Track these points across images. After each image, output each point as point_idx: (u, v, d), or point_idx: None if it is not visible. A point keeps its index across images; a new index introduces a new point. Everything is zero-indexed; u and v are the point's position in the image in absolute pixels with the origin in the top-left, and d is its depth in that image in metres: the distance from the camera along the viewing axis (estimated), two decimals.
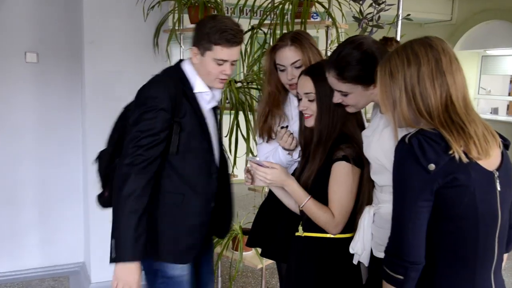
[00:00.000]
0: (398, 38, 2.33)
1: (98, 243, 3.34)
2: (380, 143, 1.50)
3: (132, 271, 1.68)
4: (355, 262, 1.65)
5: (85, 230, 3.55)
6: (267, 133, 2.01)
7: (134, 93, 3.21)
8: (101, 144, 3.23)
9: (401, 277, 1.22)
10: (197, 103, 1.83)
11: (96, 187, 3.23)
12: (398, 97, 1.26)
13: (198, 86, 1.83)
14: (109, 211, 3.30)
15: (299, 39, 1.89)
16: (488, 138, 1.24)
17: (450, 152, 1.17)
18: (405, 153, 1.21)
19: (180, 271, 1.87)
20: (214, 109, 1.96)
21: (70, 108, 3.49)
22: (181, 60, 1.89)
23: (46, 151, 3.48)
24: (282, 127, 1.92)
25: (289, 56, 1.88)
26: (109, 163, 1.86)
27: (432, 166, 1.16)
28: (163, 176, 1.78)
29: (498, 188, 1.26)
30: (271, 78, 1.98)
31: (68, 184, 3.56)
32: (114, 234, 1.70)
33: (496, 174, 1.26)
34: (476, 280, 1.26)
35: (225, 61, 1.76)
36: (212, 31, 1.71)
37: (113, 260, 1.68)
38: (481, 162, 1.22)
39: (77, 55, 3.38)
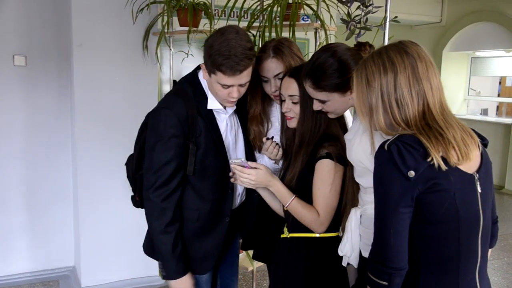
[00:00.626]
0: (386, 40, 2.34)
1: (88, 247, 3.33)
2: (362, 146, 1.51)
3: (183, 281, 1.82)
4: (344, 264, 1.65)
5: (75, 233, 3.53)
6: (255, 145, 2.00)
7: (123, 96, 3.23)
8: (90, 146, 3.24)
9: (385, 283, 1.23)
10: (213, 118, 1.80)
11: (85, 190, 3.24)
12: (375, 104, 1.27)
13: (211, 102, 1.79)
14: (99, 215, 3.29)
15: (281, 50, 1.86)
16: (467, 141, 1.25)
17: (429, 159, 1.18)
18: (384, 160, 1.21)
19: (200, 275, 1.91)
20: (240, 111, 1.92)
21: (59, 111, 3.47)
22: (199, 67, 1.83)
23: (35, 155, 3.46)
24: (268, 139, 1.91)
25: (272, 68, 1.86)
26: (136, 169, 1.89)
27: (412, 173, 1.17)
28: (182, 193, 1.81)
29: (479, 190, 1.27)
30: (253, 90, 1.94)
31: (57, 188, 3.54)
32: (158, 257, 1.85)
33: (476, 176, 1.27)
34: (460, 282, 1.27)
35: (231, 85, 1.68)
36: (216, 54, 1.61)
37: (165, 277, 1.85)
38: (461, 166, 1.23)
39: (65, 58, 3.37)
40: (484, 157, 1.32)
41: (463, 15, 7.19)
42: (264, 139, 1.92)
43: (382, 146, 1.23)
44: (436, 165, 1.18)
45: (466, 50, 7.46)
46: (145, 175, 1.79)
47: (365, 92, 1.28)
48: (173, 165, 1.71)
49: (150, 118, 1.78)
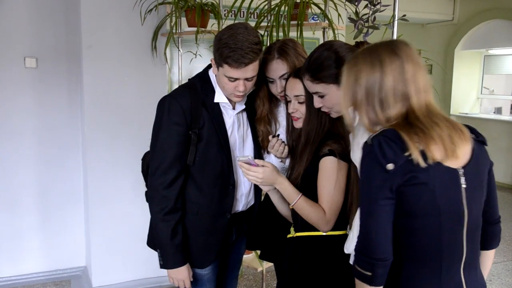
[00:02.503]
0: (395, 39, 2.32)
1: (99, 247, 3.35)
2: (360, 148, 1.51)
3: (180, 271, 1.85)
4: (351, 262, 1.64)
5: (86, 234, 3.56)
6: (264, 146, 2.00)
7: (132, 97, 3.25)
8: (100, 147, 3.26)
9: (369, 273, 1.25)
10: (218, 112, 1.82)
11: (96, 190, 3.26)
12: (359, 100, 1.30)
13: (218, 96, 1.82)
14: (109, 215, 3.31)
15: (285, 51, 1.87)
16: (454, 138, 1.25)
17: (407, 153, 1.20)
18: (366, 154, 1.25)
19: (201, 270, 1.93)
20: (251, 112, 1.94)
21: (70, 113, 3.50)
22: (210, 65, 1.87)
23: (46, 156, 3.49)
24: (274, 136, 1.91)
25: (277, 69, 1.87)
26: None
27: (390, 166, 1.20)
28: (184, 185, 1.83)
29: (463, 185, 1.27)
30: (259, 92, 1.96)
31: (68, 188, 3.57)
32: (157, 245, 1.86)
33: (461, 171, 1.27)
34: (443, 276, 1.27)
35: (237, 78, 1.71)
36: (223, 47, 1.66)
37: (162, 266, 1.87)
38: (444, 161, 1.24)
39: (75, 59, 3.40)
40: (476, 153, 1.31)
41: (475, 13, 7.10)
42: (270, 137, 1.92)
43: (366, 141, 1.26)
44: (415, 159, 1.20)
45: (479, 48, 7.37)
46: (149, 162, 1.83)
47: (352, 87, 1.31)
48: (174, 152, 1.75)
49: (157, 105, 1.83)
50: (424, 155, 1.21)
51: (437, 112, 1.29)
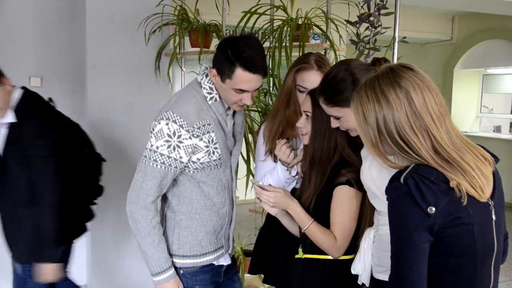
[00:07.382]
0: (395, 60, 2.36)
1: (101, 265, 3.34)
2: (369, 172, 1.50)
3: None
4: (359, 283, 1.64)
5: (87, 252, 3.55)
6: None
7: (136, 116, 3.27)
8: (104, 166, 3.26)
9: None
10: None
11: (98, 210, 3.26)
12: (374, 139, 1.21)
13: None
14: (111, 234, 3.30)
15: (324, 65, 1.88)
16: (482, 168, 1.17)
17: (451, 192, 1.11)
18: (401, 194, 1.13)
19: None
20: None
21: None
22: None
23: None
24: (283, 139, 1.89)
25: (314, 80, 1.83)
26: None
27: (432, 209, 1.10)
28: None
29: (494, 218, 1.22)
30: (290, 98, 1.94)
31: None
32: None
33: (492, 203, 1.21)
34: None
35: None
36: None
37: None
38: (476, 195, 1.17)
39: (80, 79, 3.43)
40: (496, 180, 1.24)
41: (474, 33, 7.19)
42: (277, 140, 1.89)
43: (397, 178, 1.15)
44: (462, 199, 1.12)
45: (478, 67, 7.44)
46: None
47: (363, 126, 1.22)
48: None
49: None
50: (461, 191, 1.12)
51: (457, 136, 1.19)
